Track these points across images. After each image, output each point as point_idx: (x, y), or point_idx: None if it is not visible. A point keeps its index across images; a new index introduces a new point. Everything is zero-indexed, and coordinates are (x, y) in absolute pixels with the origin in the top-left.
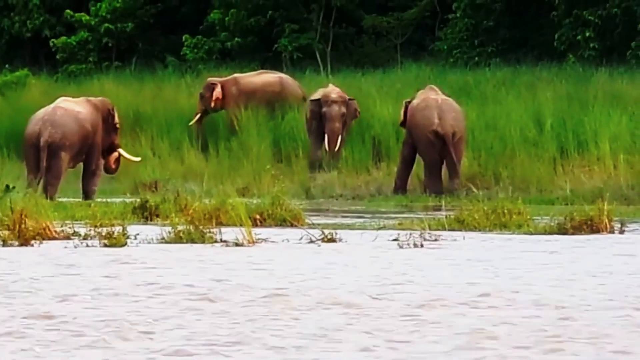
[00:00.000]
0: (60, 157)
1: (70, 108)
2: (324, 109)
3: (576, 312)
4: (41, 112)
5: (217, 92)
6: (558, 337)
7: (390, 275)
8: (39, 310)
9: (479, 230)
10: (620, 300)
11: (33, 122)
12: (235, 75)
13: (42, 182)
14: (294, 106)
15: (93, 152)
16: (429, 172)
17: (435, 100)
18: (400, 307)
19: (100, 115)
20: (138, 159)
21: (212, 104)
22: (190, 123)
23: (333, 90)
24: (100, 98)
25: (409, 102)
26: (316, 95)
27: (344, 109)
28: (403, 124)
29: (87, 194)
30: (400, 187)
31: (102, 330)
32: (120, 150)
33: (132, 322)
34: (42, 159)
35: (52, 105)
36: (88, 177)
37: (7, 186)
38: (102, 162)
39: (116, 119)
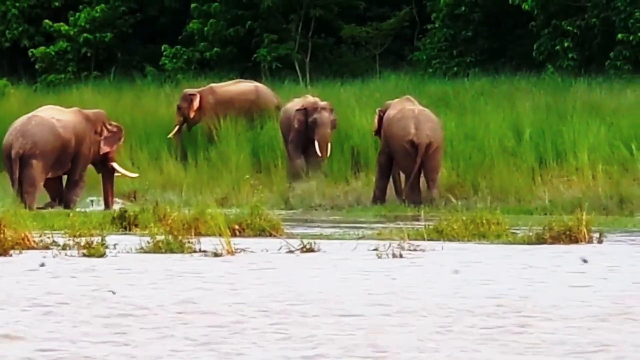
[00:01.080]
0: (32, 166)
1: (47, 116)
2: (315, 116)
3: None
4: (17, 122)
5: (196, 103)
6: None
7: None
8: None
9: (458, 241)
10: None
11: (9, 132)
12: (212, 85)
13: (17, 192)
14: (273, 116)
15: (77, 162)
16: (407, 183)
17: (412, 111)
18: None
19: (90, 127)
20: (134, 175)
21: (192, 115)
22: (169, 135)
23: (314, 99)
24: (95, 110)
25: (383, 111)
26: (296, 104)
27: (332, 116)
28: (377, 132)
29: (66, 203)
30: (379, 197)
31: None
32: (114, 165)
33: None
34: (14, 170)
35: (29, 114)
36: (70, 186)
37: None
38: (85, 173)
39: (106, 132)
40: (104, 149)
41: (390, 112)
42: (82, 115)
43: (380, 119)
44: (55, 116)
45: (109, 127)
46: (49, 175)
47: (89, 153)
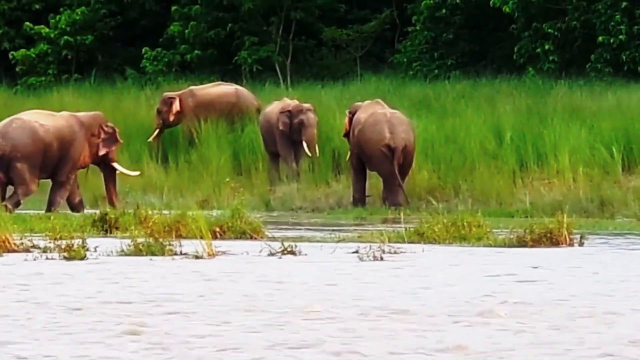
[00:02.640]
0: (17, 168)
1: (29, 119)
2: (301, 117)
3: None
4: (1, 124)
5: (176, 105)
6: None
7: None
8: None
9: (439, 243)
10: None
11: None
12: (191, 87)
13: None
14: (253, 119)
15: (62, 164)
16: (387, 185)
17: (383, 115)
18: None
19: (82, 130)
20: (136, 173)
21: (172, 118)
22: (149, 139)
23: (293, 101)
24: (91, 113)
25: (352, 112)
26: (275, 107)
27: (316, 117)
28: (347, 135)
29: (50, 204)
30: (359, 199)
31: None
32: (116, 165)
33: None
34: None
35: (13, 117)
36: (55, 188)
37: None
38: (74, 175)
39: (103, 134)
40: (103, 150)
41: (361, 116)
42: (72, 120)
43: (350, 120)
44: (38, 120)
45: (105, 128)
46: (41, 177)
47: (79, 156)
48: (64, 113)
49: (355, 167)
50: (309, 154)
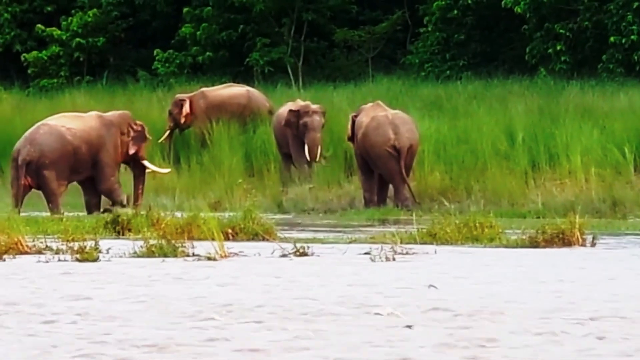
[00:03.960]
0: (45, 175)
1: (56, 124)
2: (305, 119)
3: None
4: (29, 130)
5: (186, 107)
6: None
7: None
8: None
9: (451, 244)
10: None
11: (19, 140)
12: (203, 89)
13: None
14: (265, 120)
15: (99, 168)
16: (394, 186)
17: (385, 117)
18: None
19: (114, 130)
20: (166, 170)
21: (182, 120)
22: (160, 140)
23: (306, 103)
24: (119, 112)
25: (356, 115)
26: (287, 109)
27: (323, 120)
28: (351, 139)
29: (113, 204)
30: (370, 200)
31: None
32: (146, 163)
33: None
34: (19, 177)
35: (40, 122)
36: (104, 195)
37: None
38: (116, 174)
39: (133, 133)
40: (133, 148)
41: (363, 120)
42: (101, 120)
43: (353, 124)
44: (65, 124)
45: (134, 126)
46: (69, 181)
47: (113, 156)
48: (92, 113)
49: (362, 169)
50: (308, 158)
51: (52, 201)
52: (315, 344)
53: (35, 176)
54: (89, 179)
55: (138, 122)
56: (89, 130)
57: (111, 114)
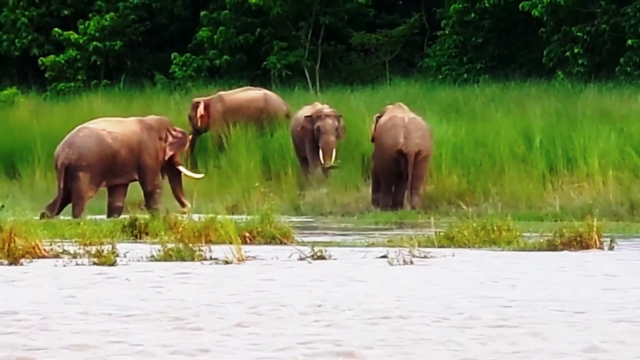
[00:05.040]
0: (78, 178)
1: (96, 128)
2: (318, 124)
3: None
4: (69, 134)
5: (200, 109)
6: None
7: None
8: None
9: (469, 247)
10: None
11: (59, 144)
12: (220, 92)
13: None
14: (283, 123)
15: (143, 172)
16: (383, 187)
17: (402, 119)
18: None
19: (153, 135)
20: (200, 175)
21: (198, 122)
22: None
23: (323, 106)
24: (157, 117)
25: (379, 116)
26: (305, 112)
27: (337, 123)
28: (374, 140)
29: (149, 211)
30: (386, 202)
31: None
32: (181, 168)
33: None
34: (59, 180)
35: (81, 126)
36: (146, 197)
37: None
38: (158, 178)
39: (171, 138)
40: (169, 153)
41: (382, 120)
42: (141, 125)
43: (377, 123)
44: (106, 128)
45: (173, 132)
46: (103, 185)
47: (156, 160)
48: (132, 118)
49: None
50: (322, 161)
51: (78, 204)
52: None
53: (69, 178)
54: (123, 184)
55: (178, 128)
56: (130, 134)
57: (150, 119)
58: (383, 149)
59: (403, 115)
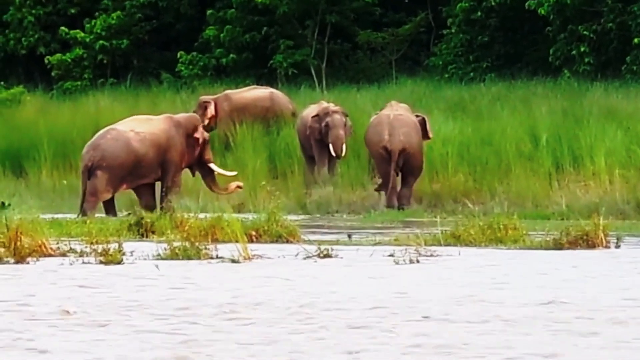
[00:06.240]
0: (97, 176)
1: (124, 130)
2: (327, 120)
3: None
4: (96, 135)
5: (211, 110)
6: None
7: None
8: None
9: (475, 246)
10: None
11: (86, 144)
12: (227, 91)
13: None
14: (289, 122)
15: (166, 168)
16: (383, 185)
17: (387, 117)
18: None
19: (181, 132)
20: (233, 173)
21: (207, 122)
22: None
23: (329, 104)
24: (187, 114)
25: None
26: (311, 111)
27: (345, 119)
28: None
29: (161, 209)
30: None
31: None
32: (212, 165)
33: None
34: (82, 182)
35: (109, 127)
36: (164, 192)
37: (3, 203)
38: (179, 176)
39: (200, 136)
40: (197, 150)
41: (371, 119)
42: (170, 122)
43: None
44: (134, 128)
45: (201, 130)
46: (123, 189)
47: (181, 157)
48: (161, 116)
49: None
50: (334, 154)
51: (90, 201)
52: None
53: (90, 177)
54: (148, 184)
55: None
56: (158, 132)
57: (180, 116)
58: (370, 147)
59: (389, 113)
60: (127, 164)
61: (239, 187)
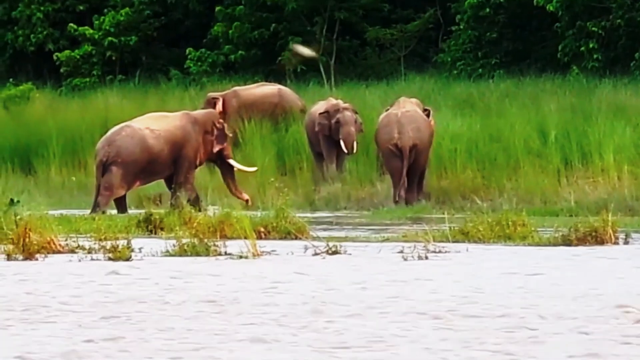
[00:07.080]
0: (111, 172)
1: (140, 127)
2: (338, 116)
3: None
4: (110, 131)
5: (219, 106)
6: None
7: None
8: None
9: (483, 242)
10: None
11: (100, 140)
12: (235, 88)
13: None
14: (297, 118)
15: (179, 164)
16: (393, 183)
17: (395, 115)
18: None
19: (198, 129)
20: (253, 169)
21: None
22: None
23: (338, 101)
24: (205, 111)
25: (388, 109)
26: (319, 107)
27: (355, 116)
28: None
29: (172, 205)
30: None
31: None
32: (232, 161)
33: None
34: (96, 178)
35: (124, 124)
36: (175, 187)
37: (12, 200)
38: (193, 173)
39: (217, 132)
40: (217, 147)
41: (380, 118)
42: (187, 119)
43: None
44: (150, 125)
45: (217, 125)
46: (137, 186)
47: (195, 154)
48: (178, 113)
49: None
50: (346, 151)
51: (103, 196)
52: None
53: (104, 173)
54: (170, 177)
55: (220, 120)
56: (173, 129)
57: (197, 113)
58: (381, 145)
59: (397, 111)
60: (142, 161)
61: (246, 201)
